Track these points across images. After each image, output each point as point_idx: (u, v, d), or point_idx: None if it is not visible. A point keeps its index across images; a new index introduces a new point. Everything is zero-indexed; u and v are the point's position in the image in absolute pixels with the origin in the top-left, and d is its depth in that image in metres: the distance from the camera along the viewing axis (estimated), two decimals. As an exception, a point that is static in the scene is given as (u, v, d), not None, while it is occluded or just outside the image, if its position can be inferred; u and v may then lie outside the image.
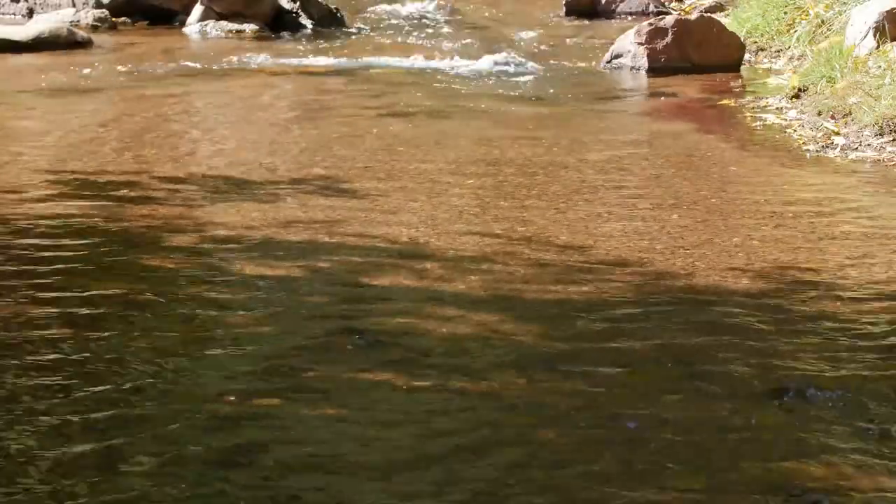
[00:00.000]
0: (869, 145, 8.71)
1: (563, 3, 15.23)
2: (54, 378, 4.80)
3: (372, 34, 14.05)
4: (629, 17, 14.84)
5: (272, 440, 4.33)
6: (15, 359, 4.98)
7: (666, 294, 5.78)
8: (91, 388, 4.71)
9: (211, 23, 14.04)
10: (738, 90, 10.96)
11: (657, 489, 4.05)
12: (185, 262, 6.20)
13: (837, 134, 8.97)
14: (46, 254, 6.26)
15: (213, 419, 4.48)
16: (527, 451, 4.30)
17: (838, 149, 8.72)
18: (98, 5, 14.51)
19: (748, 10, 13.16)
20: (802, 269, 6.14)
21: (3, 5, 15.12)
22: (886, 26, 10.15)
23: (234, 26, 13.95)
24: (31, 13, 14.80)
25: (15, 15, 14.90)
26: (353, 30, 14.21)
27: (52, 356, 5.01)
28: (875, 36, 10.16)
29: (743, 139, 9.16)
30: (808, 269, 6.14)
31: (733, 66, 11.77)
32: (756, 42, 12.53)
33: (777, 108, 10.02)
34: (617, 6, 15.26)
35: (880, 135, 8.78)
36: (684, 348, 5.16)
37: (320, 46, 13.11)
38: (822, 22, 11.72)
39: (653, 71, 11.64)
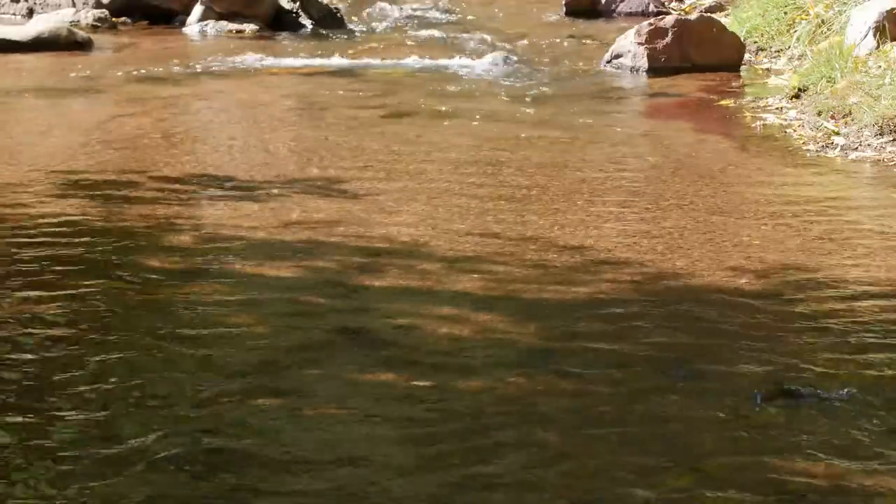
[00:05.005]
0: (869, 145, 8.70)
1: (563, 3, 15.21)
2: (52, 377, 4.80)
3: (372, 34, 14.04)
4: (629, 17, 14.83)
5: (271, 440, 4.33)
6: (11, 358, 4.98)
7: (666, 294, 5.78)
8: (89, 388, 4.71)
9: (211, 23, 14.03)
10: (738, 90, 10.95)
11: (656, 489, 4.05)
12: (184, 262, 6.20)
13: (837, 134, 8.97)
14: (45, 253, 6.26)
15: (212, 419, 4.48)
16: (526, 451, 4.30)
17: (838, 149, 8.72)
18: (98, 5, 14.49)
19: (748, 10, 13.14)
20: (802, 269, 6.14)
21: (3, 5, 15.10)
22: (886, 26, 10.15)
23: (234, 26, 13.93)
24: (30, 13, 14.78)
25: (15, 15, 14.88)
26: (354, 30, 14.19)
27: (50, 356, 5.01)
28: (875, 36, 10.16)
29: (743, 139, 9.15)
30: (808, 269, 6.14)
31: (733, 66, 11.75)
32: (756, 42, 12.52)
33: (777, 108, 10.02)
34: (617, 6, 15.25)
35: (880, 135, 8.77)
36: (684, 348, 5.16)
37: (320, 46, 13.10)
38: (822, 22, 11.71)
39: (653, 71, 11.63)
